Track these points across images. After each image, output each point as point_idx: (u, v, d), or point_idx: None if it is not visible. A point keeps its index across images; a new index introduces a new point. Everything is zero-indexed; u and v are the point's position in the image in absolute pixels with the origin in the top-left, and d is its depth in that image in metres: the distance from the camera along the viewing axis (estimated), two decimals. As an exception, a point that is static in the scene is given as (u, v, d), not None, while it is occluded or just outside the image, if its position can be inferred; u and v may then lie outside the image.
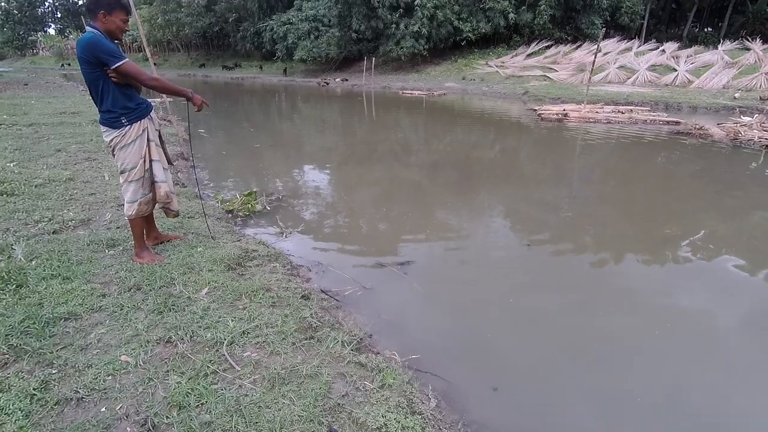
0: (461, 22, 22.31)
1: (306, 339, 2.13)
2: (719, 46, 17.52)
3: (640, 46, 19.89)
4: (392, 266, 3.31)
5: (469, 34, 22.43)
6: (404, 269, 3.27)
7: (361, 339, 2.23)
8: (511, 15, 21.59)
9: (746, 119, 9.29)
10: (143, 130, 2.67)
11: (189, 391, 1.74)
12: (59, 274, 2.58)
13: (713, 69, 15.74)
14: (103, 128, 2.62)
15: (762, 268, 3.49)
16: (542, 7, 21.22)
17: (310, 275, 3.16)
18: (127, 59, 2.44)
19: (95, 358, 1.92)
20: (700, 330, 2.68)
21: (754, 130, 8.50)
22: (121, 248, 3.00)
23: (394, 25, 22.51)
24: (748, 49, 16.48)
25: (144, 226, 2.91)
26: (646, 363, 2.35)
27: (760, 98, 12.52)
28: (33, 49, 60.89)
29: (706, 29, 30.07)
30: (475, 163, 7.03)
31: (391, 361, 2.15)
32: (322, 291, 2.86)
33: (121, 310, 2.27)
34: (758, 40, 17.03)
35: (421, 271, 3.27)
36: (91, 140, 6.76)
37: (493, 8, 21.57)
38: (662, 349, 2.45)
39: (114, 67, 2.39)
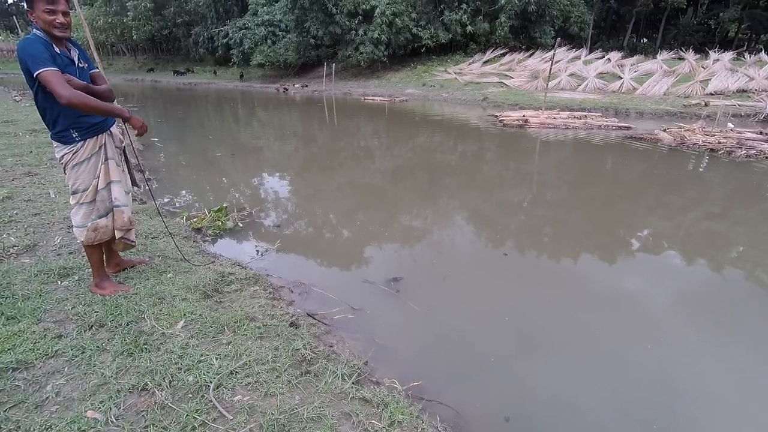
0: (420, 30, 22.62)
1: (302, 375, 1.93)
2: (658, 56, 18.80)
3: (587, 55, 20.99)
4: (382, 285, 3.15)
5: (428, 42, 22.79)
6: (395, 286, 3.12)
7: (360, 369, 2.07)
8: (469, 27, 22.17)
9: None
10: (99, 147, 2.36)
11: (175, 450, 1.50)
12: (2, 313, 2.22)
13: (654, 77, 16.85)
14: (54, 143, 2.30)
15: None
16: (503, 19, 21.92)
17: (292, 297, 2.94)
18: (52, 69, 2.02)
19: (55, 416, 1.63)
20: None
21: (698, 135, 9.12)
22: (76, 278, 2.65)
23: (353, 31, 22.46)
24: (683, 59, 17.81)
25: (103, 252, 2.58)
26: (649, 369, 2.35)
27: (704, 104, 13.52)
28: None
29: (643, 40, 32.47)
30: (454, 170, 7.01)
31: (394, 392, 2.00)
32: (309, 315, 2.66)
33: (83, 353, 1.97)
34: (691, 50, 18.47)
35: (412, 289, 3.13)
36: (31, 152, 6.13)
37: (451, 18, 22.06)
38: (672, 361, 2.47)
39: (34, 74, 2.00)
